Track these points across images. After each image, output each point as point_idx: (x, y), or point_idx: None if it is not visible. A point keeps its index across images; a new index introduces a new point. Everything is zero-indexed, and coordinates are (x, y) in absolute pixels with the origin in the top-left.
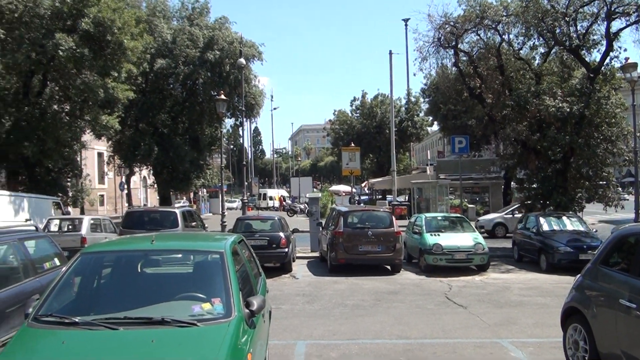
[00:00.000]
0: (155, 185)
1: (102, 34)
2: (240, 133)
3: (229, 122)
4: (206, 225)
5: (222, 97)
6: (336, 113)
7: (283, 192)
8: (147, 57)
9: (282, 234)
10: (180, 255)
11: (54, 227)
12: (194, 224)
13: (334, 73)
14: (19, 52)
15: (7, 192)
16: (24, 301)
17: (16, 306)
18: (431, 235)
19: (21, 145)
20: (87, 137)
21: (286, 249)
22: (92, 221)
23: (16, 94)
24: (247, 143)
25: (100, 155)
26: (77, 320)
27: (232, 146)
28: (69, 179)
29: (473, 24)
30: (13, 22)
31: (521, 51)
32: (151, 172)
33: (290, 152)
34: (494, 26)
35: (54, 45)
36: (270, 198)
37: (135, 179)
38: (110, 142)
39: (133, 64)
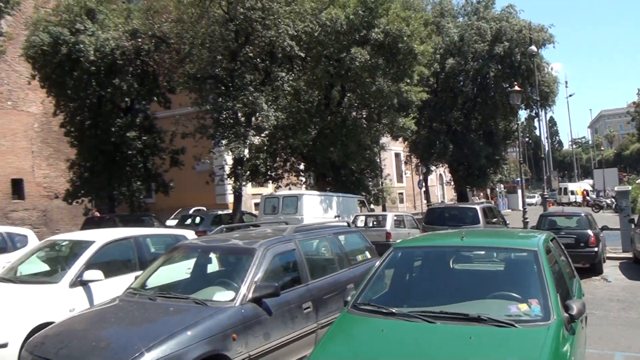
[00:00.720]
0: (452, 182)
1: (394, 42)
2: (535, 125)
3: (522, 114)
4: (507, 222)
5: (516, 88)
6: None
7: (586, 186)
8: (437, 58)
9: (590, 232)
10: (490, 253)
11: (360, 223)
12: (494, 220)
13: (635, 50)
14: (317, 68)
15: (318, 192)
16: (339, 289)
17: (332, 293)
18: None
19: (327, 151)
20: (385, 139)
21: (596, 248)
22: (395, 217)
23: (319, 105)
24: (543, 135)
25: (397, 155)
26: (394, 310)
27: (527, 139)
28: (370, 179)
29: None
30: (309, 42)
31: None
32: (447, 169)
33: (590, 142)
34: None
35: (350, 59)
36: (572, 192)
37: (431, 177)
38: (406, 143)
39: (424, 66)
